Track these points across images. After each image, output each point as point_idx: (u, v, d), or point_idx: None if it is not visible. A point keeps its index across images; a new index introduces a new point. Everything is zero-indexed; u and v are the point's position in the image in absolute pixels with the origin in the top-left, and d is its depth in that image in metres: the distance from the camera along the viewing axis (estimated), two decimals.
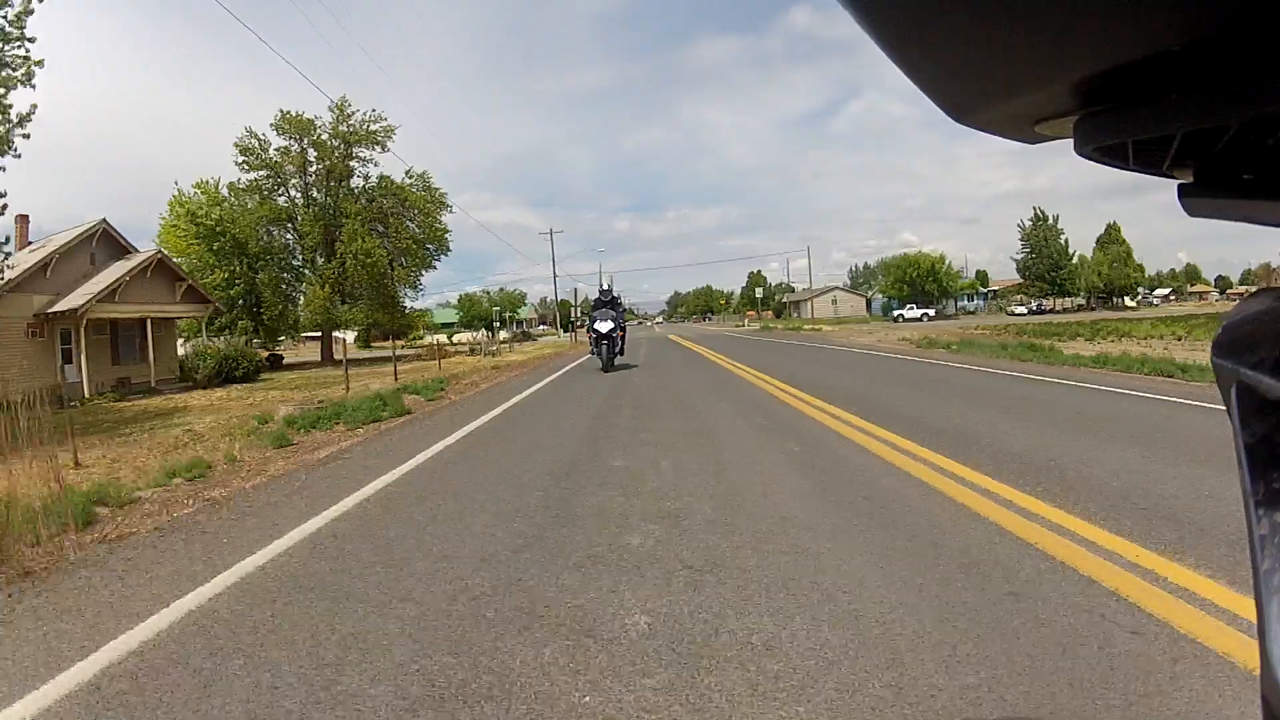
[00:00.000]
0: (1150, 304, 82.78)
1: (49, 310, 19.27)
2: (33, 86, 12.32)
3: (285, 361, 31.48)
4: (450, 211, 31.25)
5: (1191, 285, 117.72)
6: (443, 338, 46.81)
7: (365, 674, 2.18)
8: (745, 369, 13.68)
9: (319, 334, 32.03)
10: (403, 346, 39.75)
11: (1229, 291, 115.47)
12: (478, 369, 18.37)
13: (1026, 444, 5.15)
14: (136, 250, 22.46)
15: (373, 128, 30.23)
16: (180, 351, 24.15)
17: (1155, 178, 0.33)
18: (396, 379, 14.92)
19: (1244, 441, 0.26)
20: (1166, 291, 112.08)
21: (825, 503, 3.89)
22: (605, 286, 15.52)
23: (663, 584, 2.81)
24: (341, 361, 30.73)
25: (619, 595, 2.72)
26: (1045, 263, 62.33)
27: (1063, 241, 64.28)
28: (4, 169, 12.05)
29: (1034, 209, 68.40)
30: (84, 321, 18.92)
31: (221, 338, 25.14)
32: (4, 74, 11.85)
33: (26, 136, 12.12)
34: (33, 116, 12.09)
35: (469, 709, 1.95)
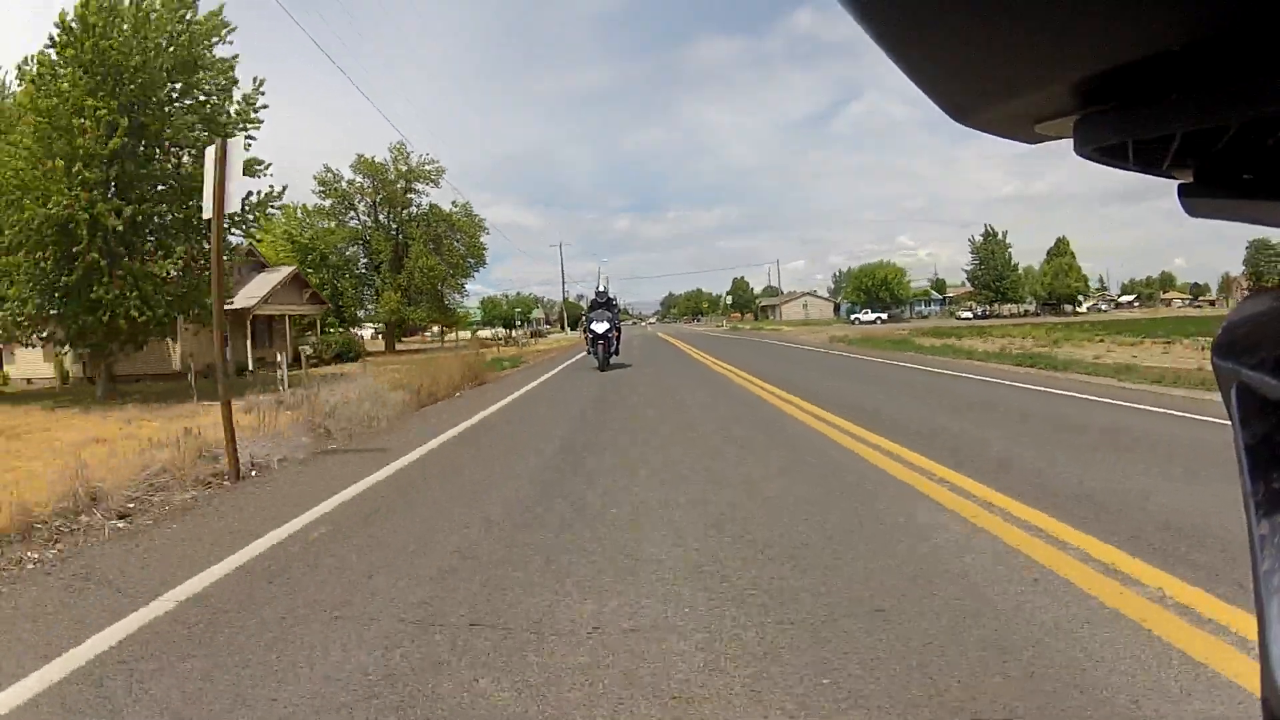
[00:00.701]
0: (1100, 310, 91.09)
1: None
2: (269, 175, 20.49)
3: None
4: (487, 233, 39.89)
5: (1164, 292, 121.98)
6: (466, 333, 55.01)
7: (573, 408, 10.67)
8: (695, 350, 22.23)
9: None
10: (430, 340, 48.08)
11: (1201, 298, 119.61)
12: (523, 353, 26.84)
13: (832, 389, 13.56)
14: (267, 265, 30.87)
15: (426, 168, 38.70)
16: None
17: (1156, 180, 0.34)
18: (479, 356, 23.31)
19: (1244, 442, 0.26)
20: (1131, 297, 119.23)
21: (709, 393, 12.39)
22: (602, 289, 16.00)
23: (651, 414, 11.28)
24: (400, 351, 39.08)
25: (638, 414, 11.21)
26: (991, 274, 71.37)
27: (1008, 255, 73.27)
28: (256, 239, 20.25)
29: (985, 226, 77.63)
30: (250, 317, 27.32)
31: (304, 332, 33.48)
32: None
33: (278, 210, 20.36)
34: (282, 195, 20.26)
35: (597, 429, 10.38)
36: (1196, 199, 0.32)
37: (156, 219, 17.66)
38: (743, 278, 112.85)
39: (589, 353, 15.44)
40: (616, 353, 15.46)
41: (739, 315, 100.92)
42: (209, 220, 5.95)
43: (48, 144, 16.55)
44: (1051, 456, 5.01)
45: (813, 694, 2.03)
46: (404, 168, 38.63)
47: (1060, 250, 79.68)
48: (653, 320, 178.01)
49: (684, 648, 2.35)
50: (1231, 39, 0.24)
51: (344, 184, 39.28)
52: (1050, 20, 0.25)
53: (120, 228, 16.49)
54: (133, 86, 17.26)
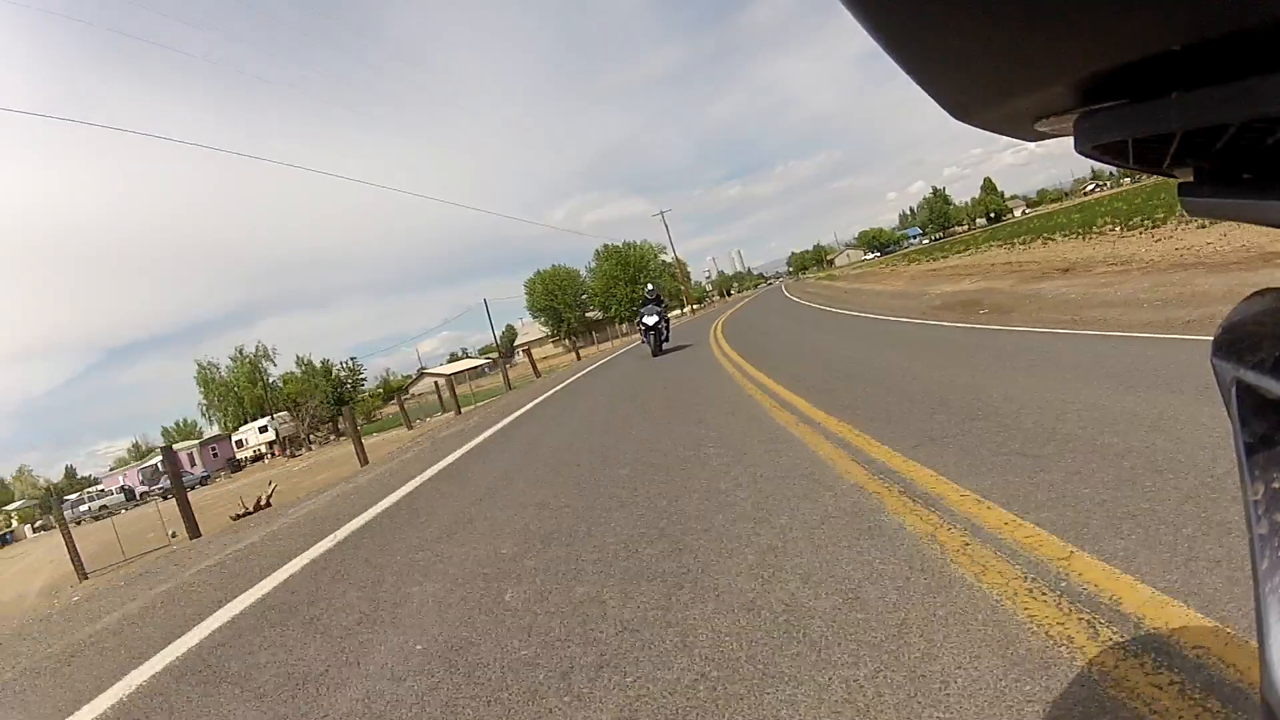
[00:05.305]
0: (1025, 214, 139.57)
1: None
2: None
3: None
4: (689, 270, 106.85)
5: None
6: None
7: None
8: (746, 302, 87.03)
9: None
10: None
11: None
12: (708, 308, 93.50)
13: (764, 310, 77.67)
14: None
15: (659, 247, 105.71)
16: None
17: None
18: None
19: (1244, 441, 0.26)
20: (1093, 185, 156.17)
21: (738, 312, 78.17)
22: (650, 288, 18.39)
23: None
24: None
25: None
26: (934, 215, 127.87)
27: (946, 202, 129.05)
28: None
29: (932, 188, 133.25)
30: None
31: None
32: None
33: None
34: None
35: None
36: (1196, 198, 0.32)
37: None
38: (819, 243, 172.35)
39: (643, 342, 17.35)
40: (668, 339, 17.19)
41: (823, 266, 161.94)
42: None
43: (610, 281, 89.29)
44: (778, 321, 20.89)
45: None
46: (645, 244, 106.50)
47: (988, 187, 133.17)
48: (779, 278, 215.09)
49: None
50: (1231, 39, 0.23)
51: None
52: (1050, 19, 0.25)
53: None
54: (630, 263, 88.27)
